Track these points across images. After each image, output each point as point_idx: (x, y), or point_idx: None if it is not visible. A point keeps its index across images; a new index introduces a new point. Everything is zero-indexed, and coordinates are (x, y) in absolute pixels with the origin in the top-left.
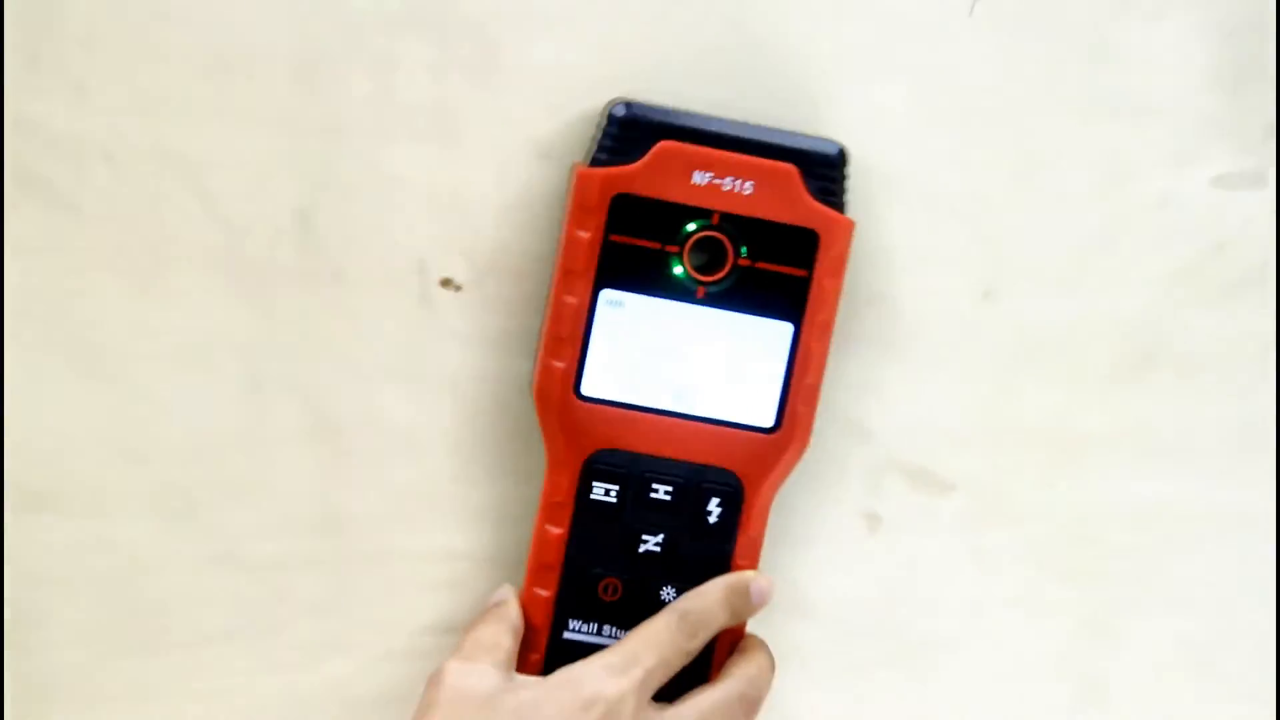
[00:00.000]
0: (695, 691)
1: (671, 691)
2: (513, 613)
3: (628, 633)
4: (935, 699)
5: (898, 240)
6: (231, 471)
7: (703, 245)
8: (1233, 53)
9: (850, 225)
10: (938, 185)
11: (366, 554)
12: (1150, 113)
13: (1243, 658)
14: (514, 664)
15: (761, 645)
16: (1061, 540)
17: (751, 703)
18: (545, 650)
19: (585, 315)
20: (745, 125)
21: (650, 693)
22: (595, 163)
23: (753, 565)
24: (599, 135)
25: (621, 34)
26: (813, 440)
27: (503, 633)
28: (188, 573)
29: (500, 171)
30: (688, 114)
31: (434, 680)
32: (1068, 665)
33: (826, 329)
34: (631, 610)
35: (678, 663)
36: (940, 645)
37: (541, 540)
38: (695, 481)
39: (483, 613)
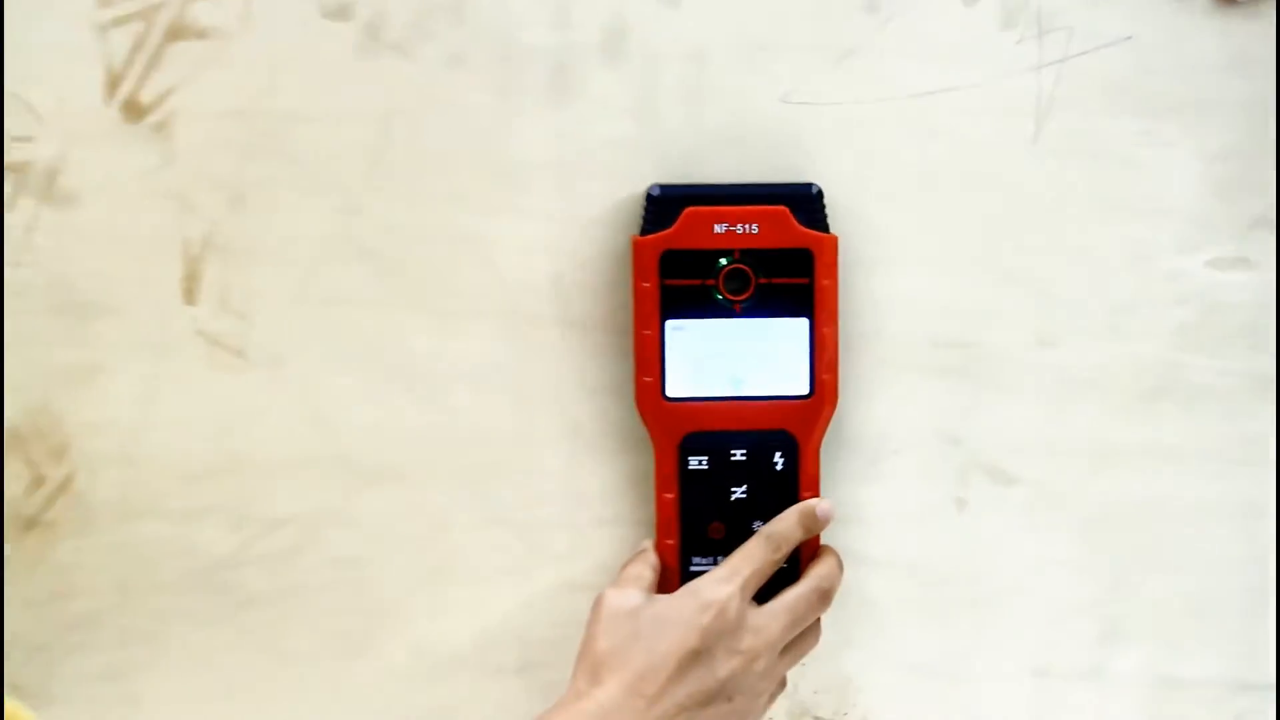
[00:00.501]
0: (783, 591)
1: (767, 593)
2: (651, 555)
3: (730, 555)
4: (1001, 631)
5: (977, 306)
6: (507, 458)
7: (731, 275)
8: (1223, 171)
9: (834, 240)
10: (1010, 263)
11: (590, 519)
12: (1163, 213)
13: (1228, 609)
14: (654, 590)
15: (832, 551)
16: (1095, 520)
17: (825, 594)
18: (679, 583)
19: (659, 341)
20: (745, 185)
21: (750, 594)
22: (644, 232)
23: (815, 494)
24: (643, 212)
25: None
26: (917, 444)
27: (644, 568)
28: (474, 530)
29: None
30: (703, 185)
31: (597, 602)
32: (1097, 610)
33: (832, 316)
34: (734, 542)
35: (769, 570)
36: (1005, 592)
37: (661, 503)
38: (761, 443)
39: (631, 556)
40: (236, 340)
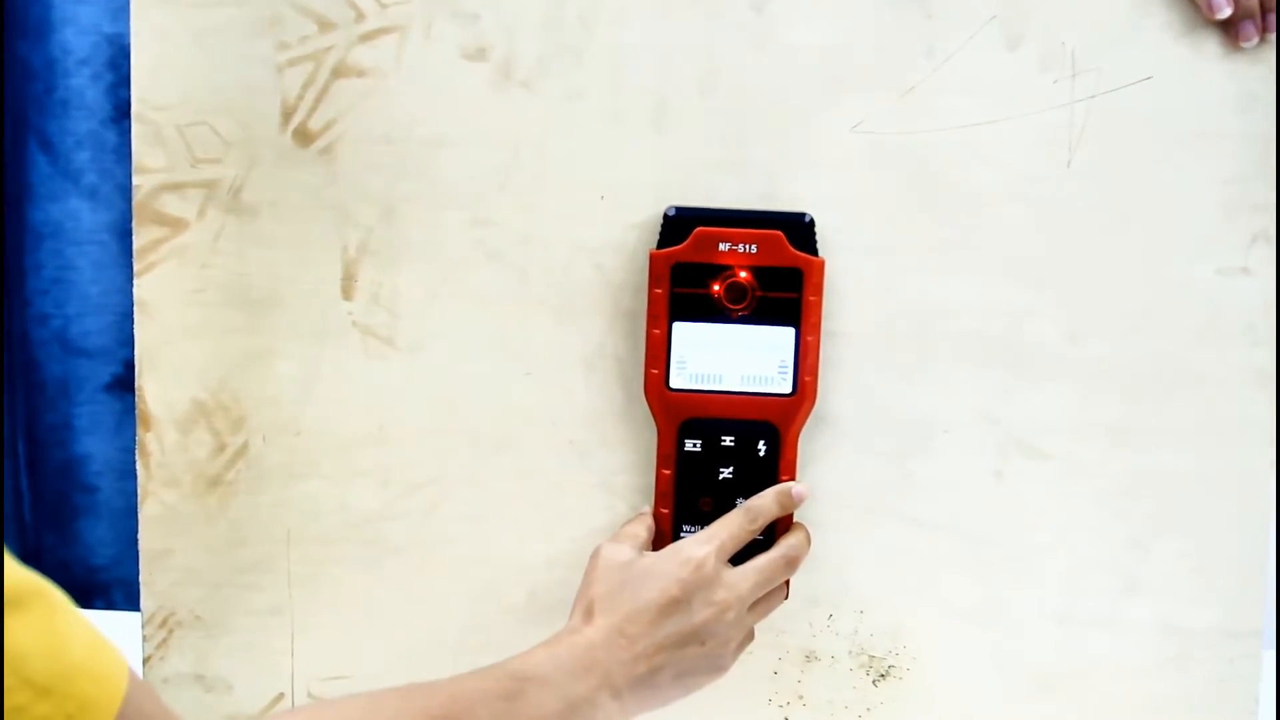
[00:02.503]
0: (756, 556)
1: (744, 557)
2: (649, 518)
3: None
4: (1031, 584)
5: (1015, 306)
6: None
7: (732, 287)
8: (1229, 192)
9: (821, 263)
10: (1044, 270)
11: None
12: (1177, 228)
13: (1227, 568)
14: (647, 547)
15: (802, 527)
16: (1114, 490)
17: (792, 560)
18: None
19: (666, 339)
20: (748, 211)
21: (726, 556)
22: (660, 247)
23: (791, 478)
24: (660, 230)
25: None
26: (963, 424)
27: (641, 528)
28: (581, 494)
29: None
30: (712, 210)
31: (595, 552)
32: (1117, 565)
33: (815, 327)
34: (719, 515)
35: (745, 538)
36: (1036, 550)
37: (660, 478)
38: (748, 432)
39: (632, 517)
40: (385, 330)
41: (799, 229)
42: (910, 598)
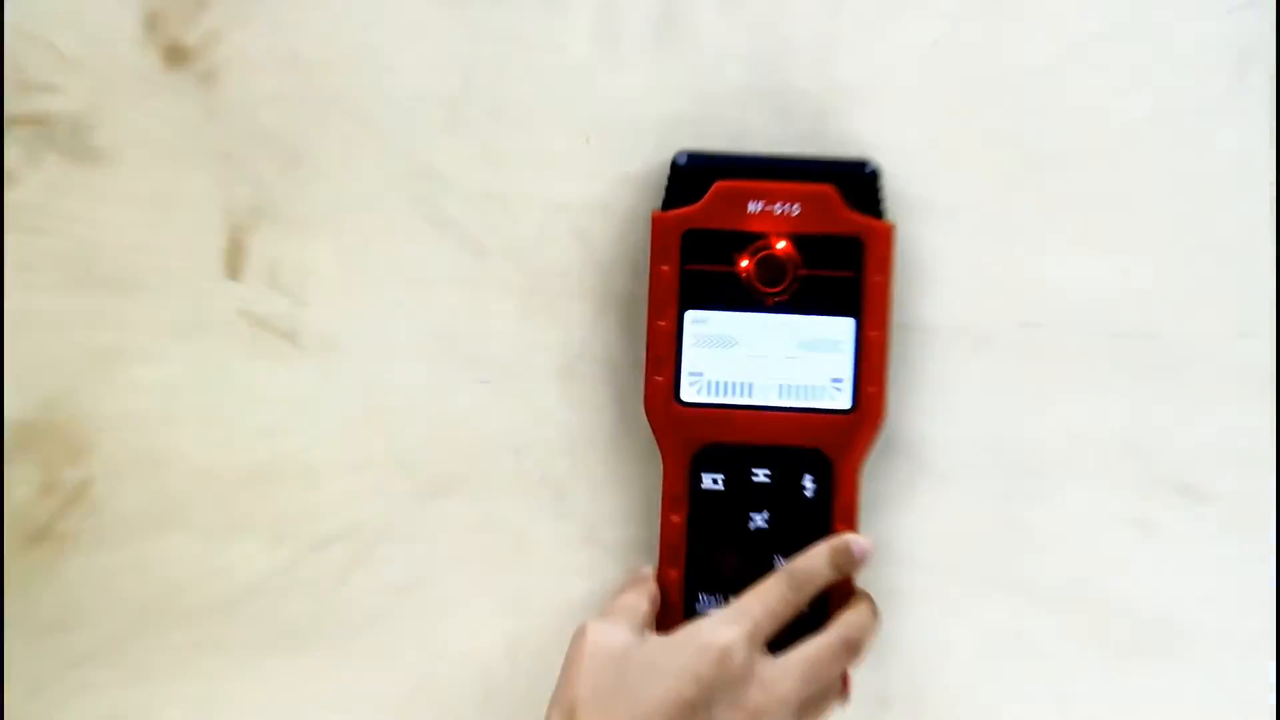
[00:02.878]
0: (803, 639)
1: (787, 641)
2: (650, 585)
3: (742, 593)
4: (1193, 675)
5: (1168, 293)
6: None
7: (765, 263)
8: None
9: (889, 229)
10: (1206, 243)
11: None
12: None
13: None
14: (650, 626)
15: (865, 596)
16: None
17: (853, 645)
18: (680, 622)
19: (675, 335)
20: (786, 158)
21: (761, 640)
22: (666, 207)
23: (851, 528)
24: (666, 184)
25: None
26: (1086, 452)
27: (641, 598)
28: (558, 550)
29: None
30: (738, 155)
31: (578, 634)
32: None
33: (883, 318)
34: (749, 580)
35: (786, 613)
36: (1197, 632)
37: (667, 527)
38: (789, 463)
39: (626, 582)
40: (286, 323)
41: (859, 182)
42: (1020, 700)
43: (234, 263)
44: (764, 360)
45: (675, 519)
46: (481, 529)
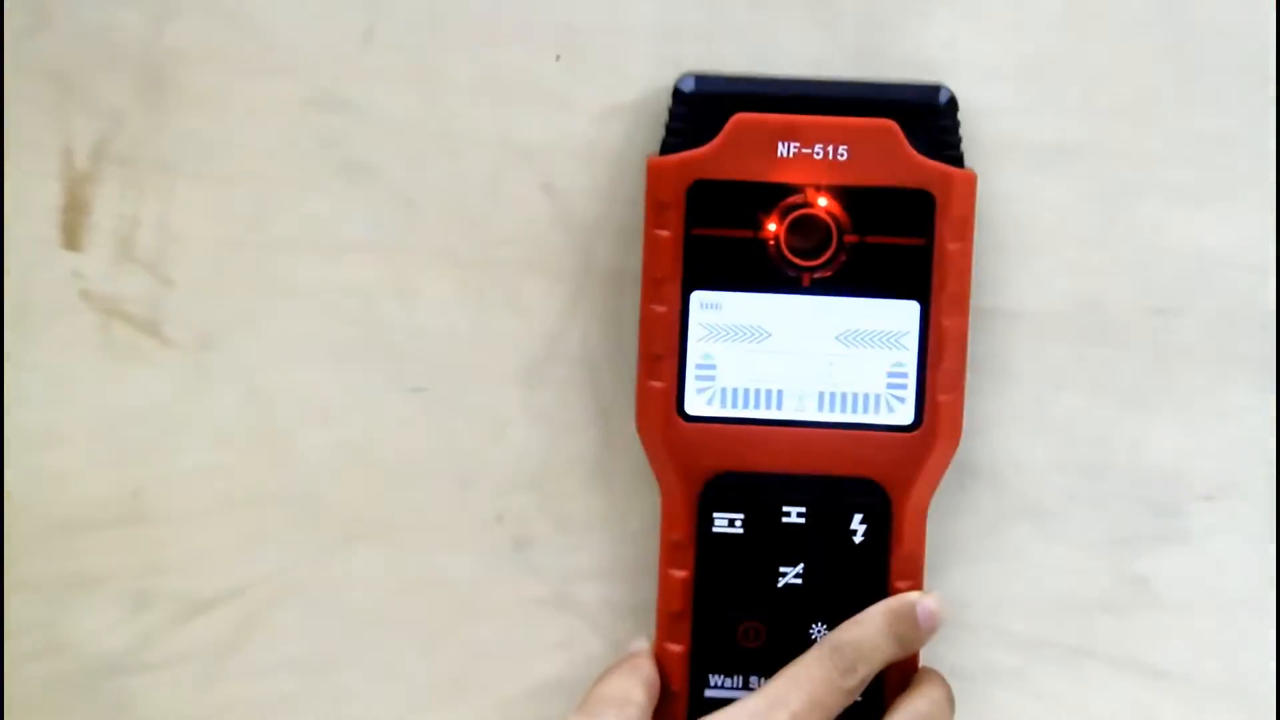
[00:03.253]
0: None
1: None
2: (646, 665)
3: (774, 676)
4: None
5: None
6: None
7: (801, 226)
8: None
9: (971, 179)
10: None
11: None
12: None
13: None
14: None
15: (936, 677)
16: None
17: None
18: (687, 715)
19: (679, 325)
20: (830, 83)
21: None
22: (667, 149)
23: (915, 585)
24: (667, 118)
25: None
26: (1234, 483)
27: (634, 686)
28: (509, 609)
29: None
30: (763, 79)
31: None
32: None
33: (961, 301)
34: (779, 656)
35: (834, 702)
36: None
37: (666, 586)
38: (832, 497)
39: (613, 664)
40: (145, 309)
41: (929, 116)
42: None
43: (73, 226)
44: (798, 359)
45: (678, 575)
46: (413, 588)
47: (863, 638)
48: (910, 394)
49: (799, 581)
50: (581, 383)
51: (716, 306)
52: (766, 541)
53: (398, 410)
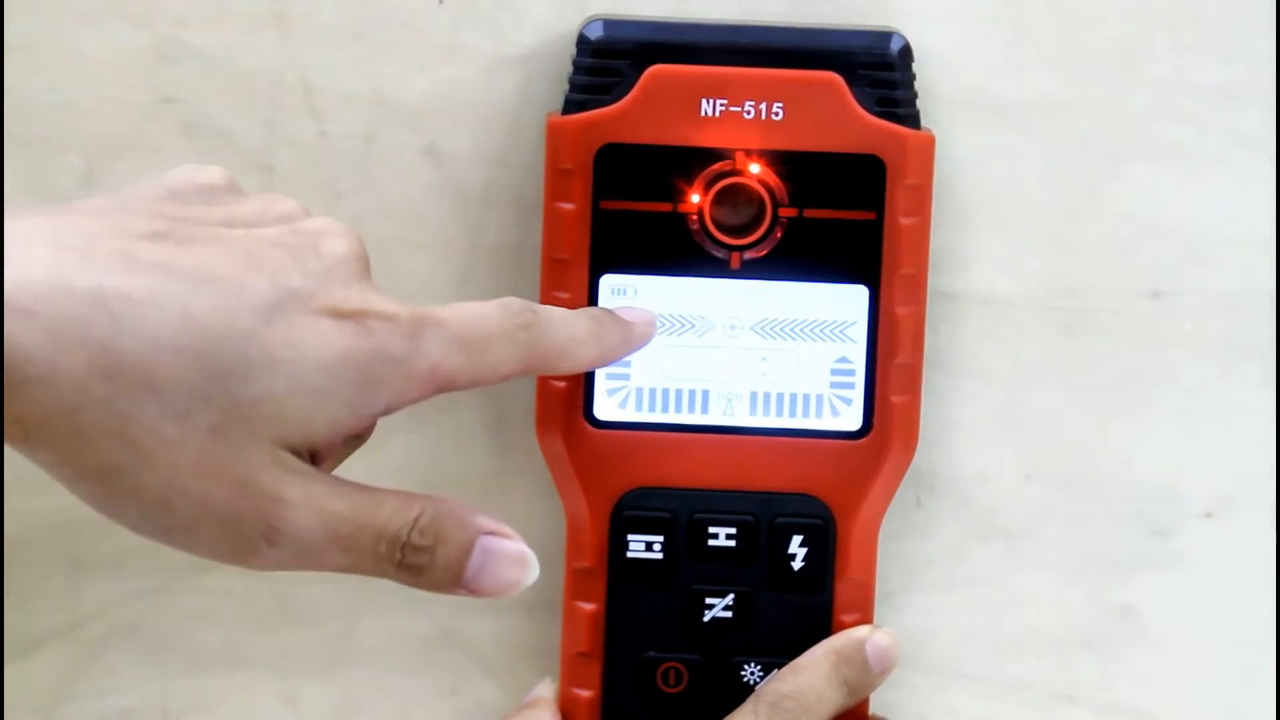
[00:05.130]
0: None
1: None
2: (548, 716)
3: None
4: None
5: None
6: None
7: (729, 198)
8: None
9: (928, 142)
10: None
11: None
12: None
13: None
14: None
15: None
16: None
17: None
18: None
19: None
20: (762, 28)
21: None
22: (570, 107)
23: (865, 619)
24: (571, 70)
25: None
26: (1242, 495)
27: None
28: (400, 659)
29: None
30: (683, 25)
31: None
32: None
33: (916, 286)
34: (704, 702)
35: None
36: None
37: (572, 622)
38: (767, 516)
39: (510, 715)
40: None
41: (878, 68)
42: None
43: None
44: (726, 354)
45: (586, 608)
46: (272, 624)
47: (805, 687)
48: (858, 394)
49: (728, 615)
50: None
51: (630, 293)
52: (690, 568)
53: None
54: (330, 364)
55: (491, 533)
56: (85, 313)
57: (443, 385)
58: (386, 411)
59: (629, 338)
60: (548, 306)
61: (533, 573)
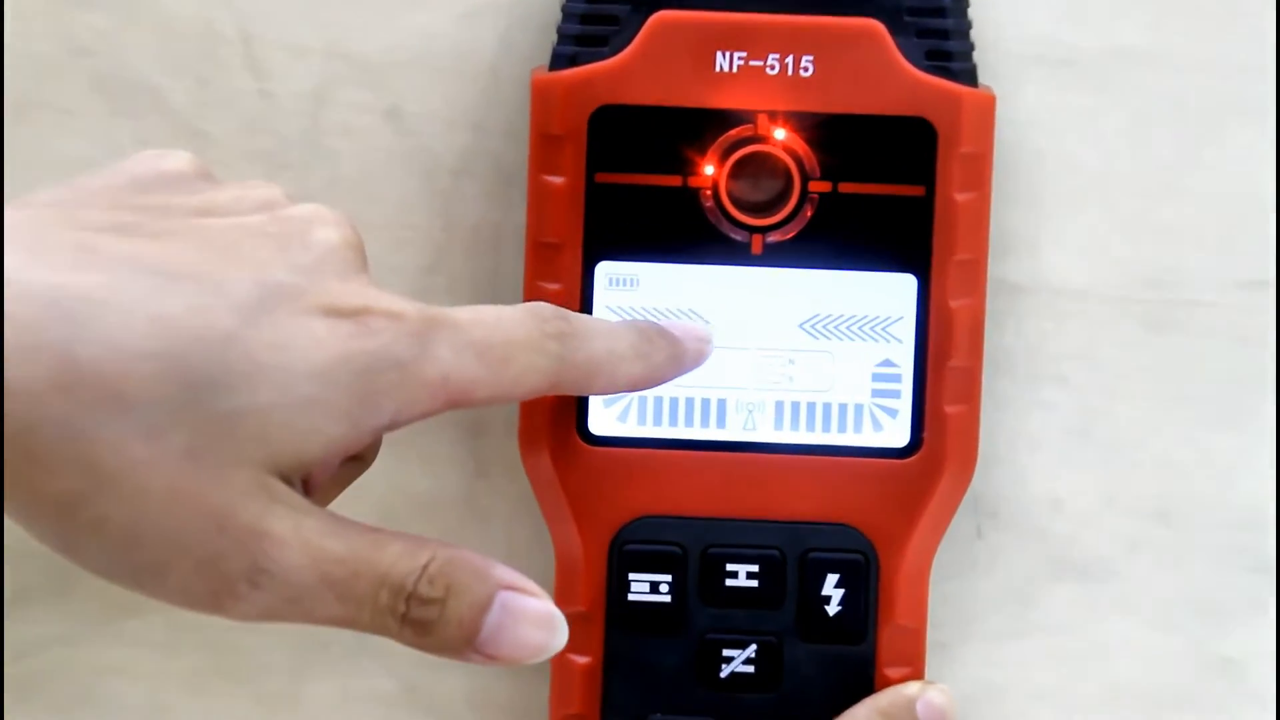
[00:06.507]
0: None
1: None
2: None
3: None
4: None
5: None
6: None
7: (749, 169)
8: None
9: (987, 101)
10: None
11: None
12: None
13: None
14: None
15: None
16: None
17: None
18: None
19: (579, 308)
20: None
21: None
22: (559, 62)
23: (914, 674)
24: (560, 19)
25: None
26: None
27: None
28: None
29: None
30: None
31: None
32: None
33: (974, 275)
34: None
35: None
36: None
37: (562, 678)
38: (796, 550)
39: None
40: None
41: (928, 14)
42: None
43: None
44: (746, 357)
45: (579, 662)
46: (208, 681)
47: None
48: (905, 404)
49: (749, 670)
50: None
51: (631, 283)
52: (703, 613)
53: None
54: (324, 370)
55: (512, 587)
56: (38, 316)
57: (456, 398)
58: (391, 426)
59: (678, 357)
60: (584, 316)
61: (560, 637)
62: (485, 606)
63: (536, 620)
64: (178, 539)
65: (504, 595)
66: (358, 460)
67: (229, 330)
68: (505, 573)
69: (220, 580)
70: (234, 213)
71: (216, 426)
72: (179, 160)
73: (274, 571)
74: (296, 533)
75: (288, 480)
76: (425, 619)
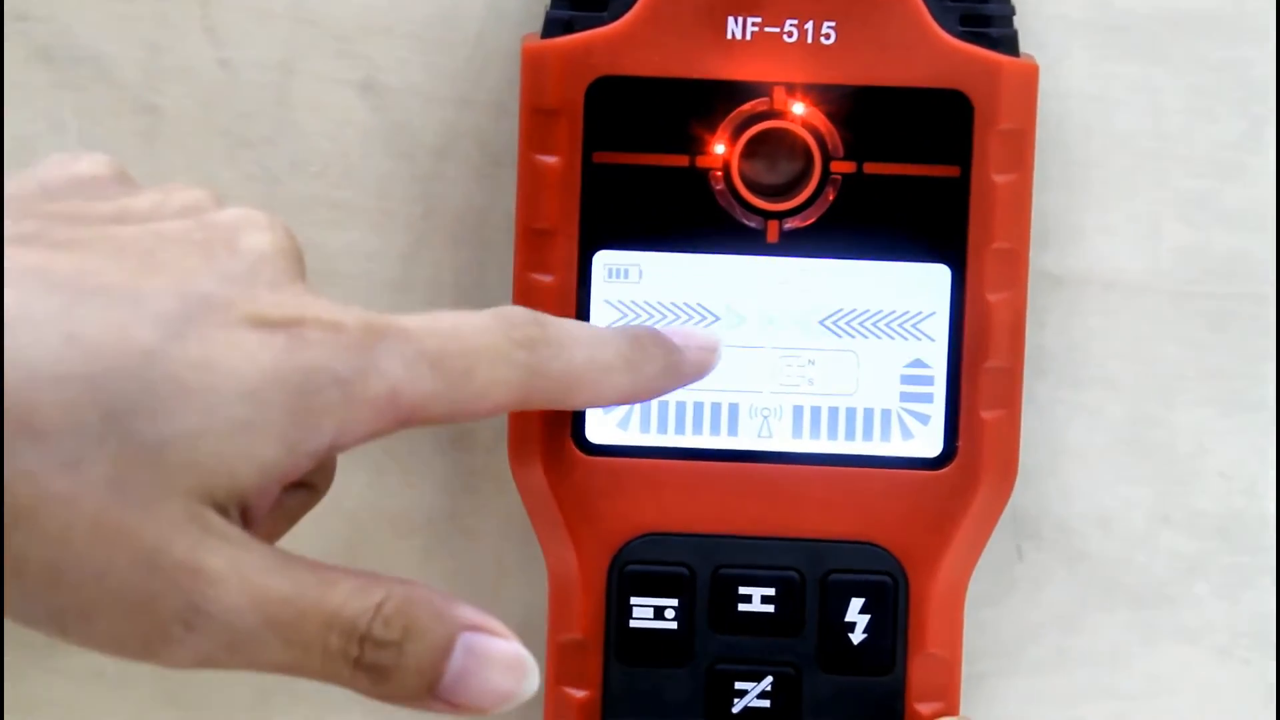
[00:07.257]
0: None
1: None
2: None
3: None
4: None
5: None
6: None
7: (765, 148)
8: None
9: (1030, 71)
10: None
11: None
12: None
13: None
14: None
15: None
16: None
17: None
18: None
19: (574, 302)
20: None
21: None
22: (552, 28)
23: (948, 710)
24: None
25: None
26: None
27: None
28: None
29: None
30: None
31: None
32: None
33: (1014, 266)
34: None
35: None
36: None
37: (557, 713)
38: (817, 572)
39: None
40: None
41: None
42: None
43: None
44: (762, 357)
45: (575, 696)
46: (158, 717)
47: None
48: (937, 410)
49: (764, 704)
50: None
51: (632, 274)
52: (714, 641)
53: None
54: (256, 388)
55: (476, 627)
56: None
57: (407, 416)
58: (332, 450)
59: (675, 367)
60: (563, 320)
61: (530, 683)
62: (447, 649)
63: (504, 664)
64: (104, 579)
65: (467, 637)
66: (307, 489)
67: (149, 347)
68: (468, 612)
69: (152, 624)
70: (154, 218)
71: (141, 454)
72: (94, 163)
73: (211, 612)
74: (234, 569)
75: (223, 511)
76: (381, 664)
